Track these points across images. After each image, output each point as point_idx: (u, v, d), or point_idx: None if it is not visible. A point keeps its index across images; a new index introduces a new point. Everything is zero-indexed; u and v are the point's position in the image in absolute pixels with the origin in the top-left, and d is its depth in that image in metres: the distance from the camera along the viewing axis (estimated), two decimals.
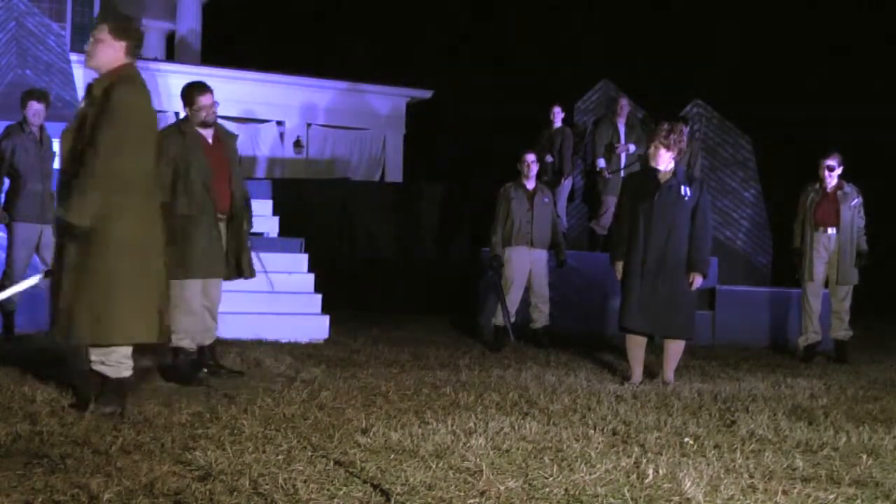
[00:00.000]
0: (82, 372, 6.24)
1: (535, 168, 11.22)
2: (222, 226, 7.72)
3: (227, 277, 7.84)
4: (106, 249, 5.86)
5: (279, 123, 23.46)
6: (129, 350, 6.14)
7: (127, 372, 6.16)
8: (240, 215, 7.81)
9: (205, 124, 7.68)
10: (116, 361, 6.07)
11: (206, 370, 7.78)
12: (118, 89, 5.90)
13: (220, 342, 8.28)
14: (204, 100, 7.66)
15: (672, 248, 8.13)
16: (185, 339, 7.68)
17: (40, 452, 4.89)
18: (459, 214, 16.13)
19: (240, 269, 7.82)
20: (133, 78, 6.07)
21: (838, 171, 10.80)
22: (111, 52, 6.07)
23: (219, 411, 6.10)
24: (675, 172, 8.23)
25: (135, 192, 5.97)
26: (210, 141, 7.73)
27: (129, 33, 6.15)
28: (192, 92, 7.71)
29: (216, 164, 7.67)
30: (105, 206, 5.80)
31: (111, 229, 5.85)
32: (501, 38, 31.96)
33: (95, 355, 6.08)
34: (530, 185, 11.18)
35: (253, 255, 8.20)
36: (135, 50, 6.17)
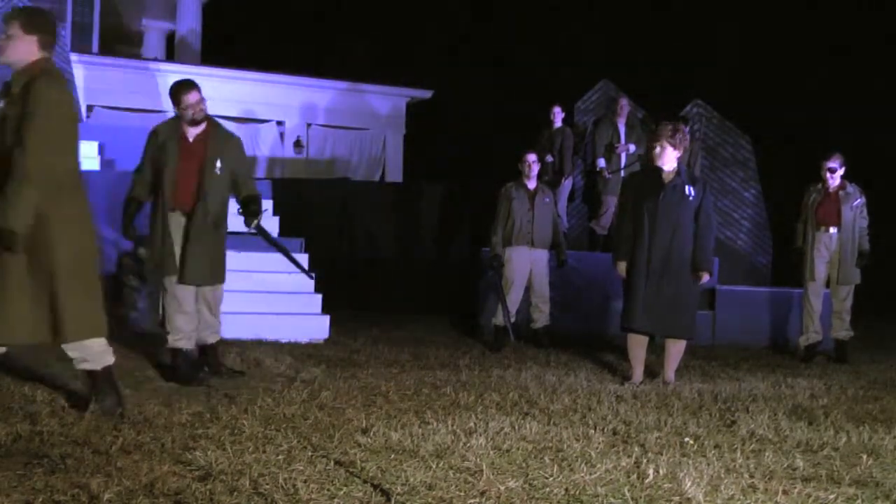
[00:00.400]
0: (81, 372, 6.22)
1: (536, 168, 11.22)
2: (178, 226, 7.60)
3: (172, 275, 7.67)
4: (50, 250, 5.70)
5: (279, 123, 23.48)
6: (103, 339, 6.09)
7: (110, 358, 6.12)
8: (202, 219, 7.59)
9: (193, 122, 7.63)
10: (96, 353, 6.03)
11: (206, 369, 7.78)
12: (38, 85, 5.70)
13: (221, 342, 8.27)
14: (189, 98, 7.60)
15: (677, 248, 8.13)
16: (182, 339, 7.67)
17: (40, 452, 4.88)
18: (459, 214, 16.13)
19: (189, 275, 7.64)
20: (51, 72, 5.89)
21: (840, 172, 10.81)
22: (24, 47, 5.86)
23: (219, 411, 6.10)
24: (678, 172, 8.23)
25: (67, 188, 5.85)
26: (191, 139, 7.66)
27: (42, 27, 5.93)
28: (178, 91, 7.66)
29: (186, 161, 7.57)
30: (42, 207, 5.62)
31: (51, 229, 5.69)
32: (501, 38, 32.00)
33: (74, 354, 6.02)
34: (531, 184, 11.18)
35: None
36: (49, 43, 5.97)
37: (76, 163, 6.01)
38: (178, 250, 7.56)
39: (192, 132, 7.67)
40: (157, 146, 7.62)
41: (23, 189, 5.54)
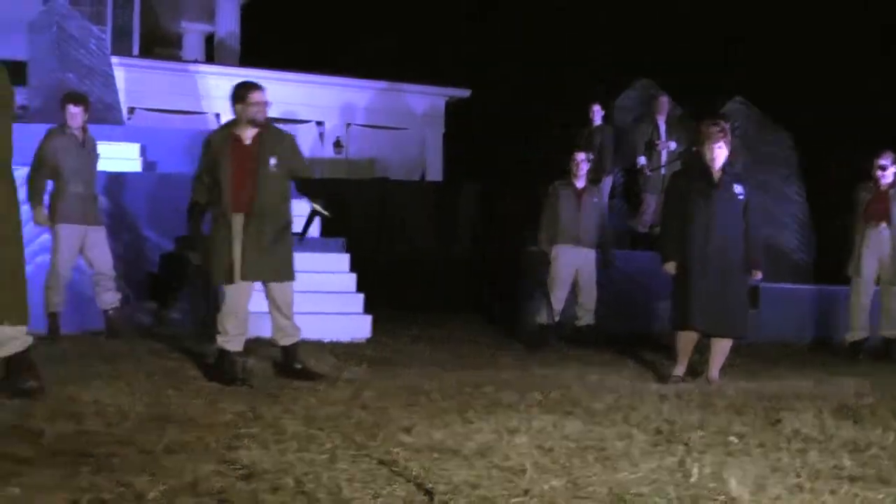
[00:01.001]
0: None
1: (585, 167, 11.25)
2: (240, 228, 7.62)
3: (231, 282, 7.68)
4: None
5: (319, 124, 23.52)
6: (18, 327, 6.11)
7: (21, 344, 6.15)
8: (261, 218, 7.64)
9: (254, 122, 7.67)
10: (8, 338, 6.07)
11: (247, 366, 7.77)
12: None
13: (258, 342, 8.27)
14: (257, 95, 7.65)
15: (731, 247, 8.12)
16: (229, 340, 7.69)
17: (86, 451, 4.91)
18: (500, 213, 16.10)
19: (258, 275, 7.70)
20: None
21: (892, 169, 10.76)
22: None
23: (262, 411, 6.11)
24: (725, 170, 8.21)
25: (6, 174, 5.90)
26: (248, 142, 7.70)
27: None
28: (246, 89, 7.70)
29: (242, 164, 7.61)
30: None
31: None
32: (540, 36, 31.89)
33: None
34: (580, 184, 11.21)
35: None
36: None
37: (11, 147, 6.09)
38: (238, 252, 7.59)
39: (248, 134, 7.70)
40: (213, 152, 7.68)
41: None
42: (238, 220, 7.59)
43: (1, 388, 6.11)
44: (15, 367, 6.17)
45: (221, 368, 7.63)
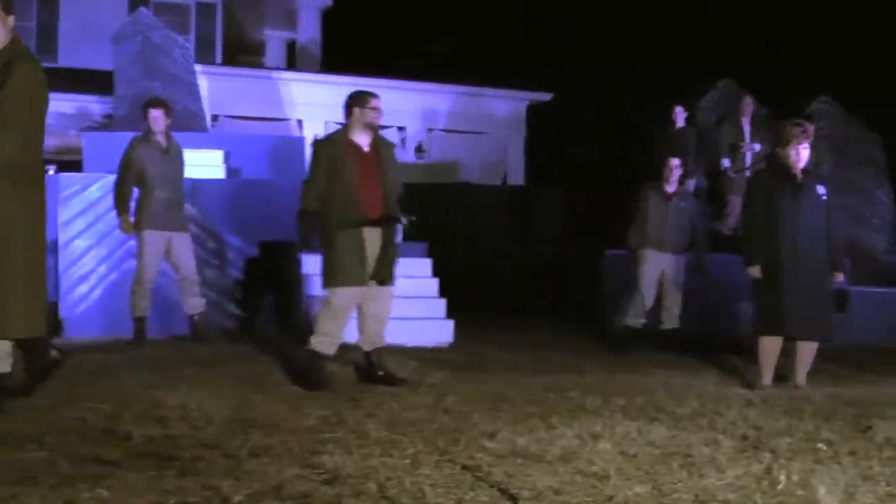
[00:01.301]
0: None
1: (677, 173, 11.19)
2: (371, 233, 7.73)
3: (359, 285, 7.75)
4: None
5: (401, 129, 23.61)
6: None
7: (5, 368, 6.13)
8: (388, 224, 7.78)
9: (370, 127, 7.77)
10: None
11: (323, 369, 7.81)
12: (21, 67, 5.78)
13: (341, 347, 8.29)
14: (375, 102, 7.77)
15: (815, 249, 8.03)
16: (324, 343, 7.70)
17: (172, 455, 4.97)
18: (582, 216, 16.04)
19: (381, 276, 7.78)
20: (30, 54, 5.99)
21: None
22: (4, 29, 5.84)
23: (345, 415, 6.14)
24: (808, 171, 8.12)
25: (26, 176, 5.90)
26: (366, 149, 7.79)
27: (12, 6, 5.88)
28: (366, 94, 7.85)
29: (366, 171, 7.71)
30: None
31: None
32: (620, 38, 31.75)
33: None
34: (670, 189, 11.15)
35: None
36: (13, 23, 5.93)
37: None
38: (365, 256, 7.66)
39: (365, 141, 7.79)
40: (329, 157, 7.72)
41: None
42: (371, 229, 7.67)
43: (31, 373, 6.15)
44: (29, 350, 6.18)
45: (310, 371, 7.67)
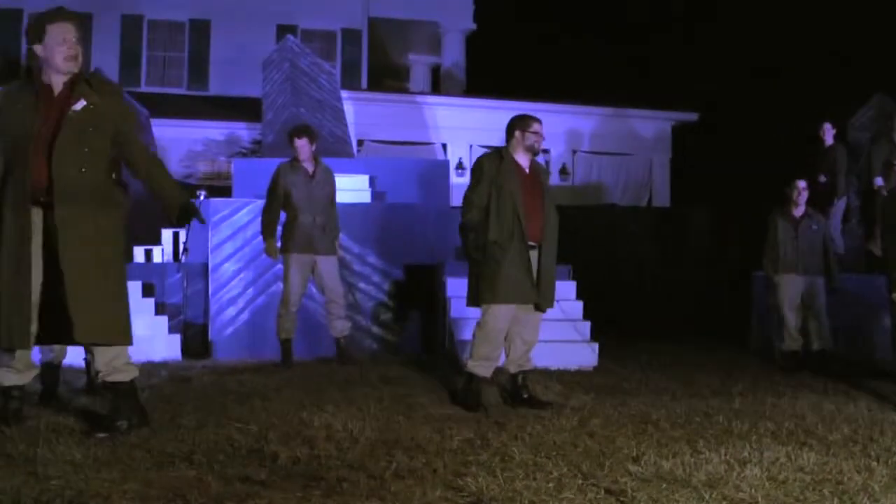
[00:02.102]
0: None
1: (805, 195, 11.00)
2: (533, 254, 7.75)
3: (526, 303, 7.78)
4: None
5: (545, 151, 23.60)
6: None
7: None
8: (548, 246, 7.81)
9: (531, 150, 7.83)
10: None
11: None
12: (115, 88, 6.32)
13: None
14: (537, 126, 7.84)
15: None
16: (480, 365, 7.74)
17: (318, 475, 5.03)
18: (727, 238, 15.81)
19: (544, 300, 7.78)
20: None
21: None
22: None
23: (489, 438, 6.13)
24: None
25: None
26: (527, 170, 7.84)
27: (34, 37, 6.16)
28: (528, 117, 7.91)
29: (530, 193, 7.74)
30: None
31: None
32: (767, 56, 31.22)
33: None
34: (798, 211, 11.00)
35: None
36: None
37: None
38: (532, 278, 7.72)
39: (526, 163, 7.86)
40: (492, 174, 7.74)
41: None
42: (522, 246, 7.69)
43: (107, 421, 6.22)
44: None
45: (467, 394, 7.70)
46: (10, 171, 5.95)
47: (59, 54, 5.99)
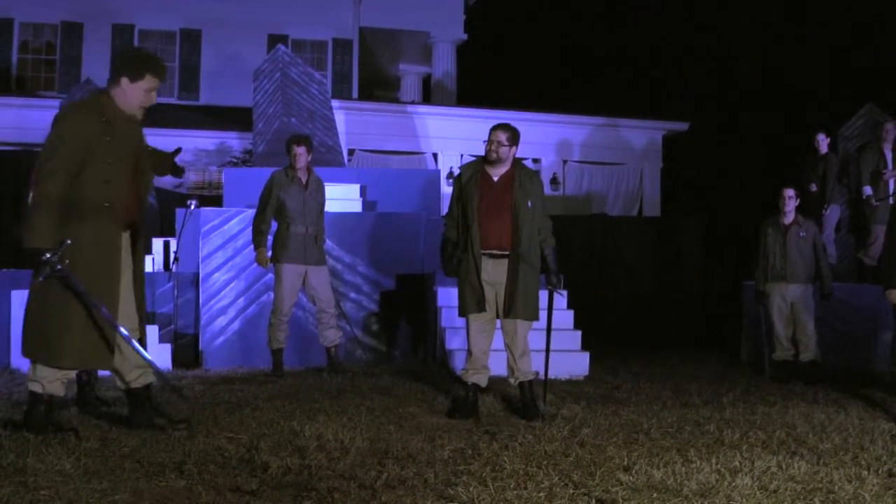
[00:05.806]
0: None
1: (792, 203, 11.00)
2: (501, 263, 7.71)
3: (480, 312, 7.77)
4: None
5: (535, 161, 23.64)
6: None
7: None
8: (519, 255, 7.68)
9: (487, 157, 7.78)
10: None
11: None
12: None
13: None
14: (493, 134, 7.75)
15: None
16: (472, 373, 7.79)
17: (309, 485, 5.03)
18: (719, 247, 15.83)
19: (512, 309, 7.73)
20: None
21: None
22: None
23: (480, 447, 6.13)
24: None
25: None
26: (495, 178, 7.78)
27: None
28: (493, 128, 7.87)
29: (491, 200, 7.70)
30: None
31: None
32: (758, 66, 31.33)
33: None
34: (786, 220, 11.01)
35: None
36: None
37: None
38: (489, 289, 7.70)
39: (497, 171, 7.80)
40: (460, 187, 7.79)
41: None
42: (489, 258, 7.69)
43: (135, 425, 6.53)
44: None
45: (457, 401, 7.78)
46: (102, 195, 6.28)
47: (140, 101, 6.44)
